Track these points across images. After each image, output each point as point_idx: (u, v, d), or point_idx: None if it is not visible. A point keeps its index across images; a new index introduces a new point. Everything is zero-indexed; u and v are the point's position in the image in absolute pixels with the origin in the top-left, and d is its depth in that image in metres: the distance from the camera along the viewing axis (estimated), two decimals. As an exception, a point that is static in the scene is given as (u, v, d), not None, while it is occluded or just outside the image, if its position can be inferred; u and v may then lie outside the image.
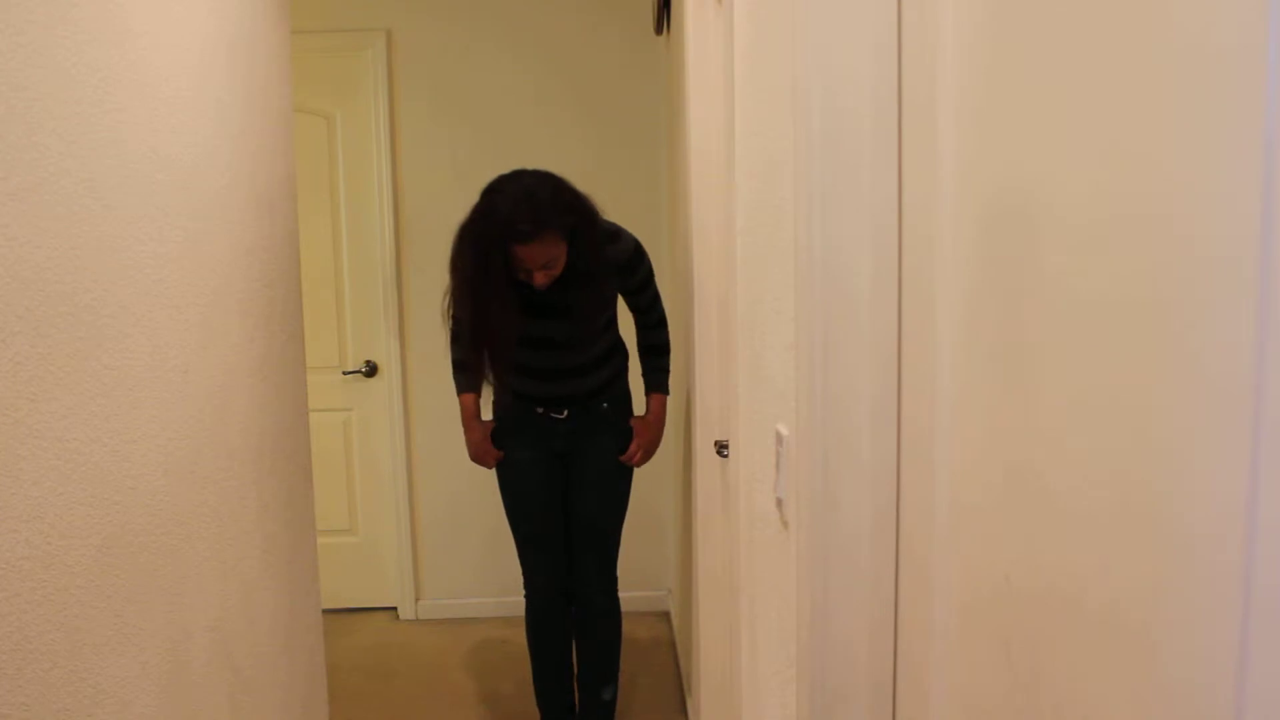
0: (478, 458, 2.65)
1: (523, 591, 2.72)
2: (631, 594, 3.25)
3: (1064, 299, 0.60)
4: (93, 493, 1.19)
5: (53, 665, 1.09)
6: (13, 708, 1.01)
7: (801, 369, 1.11)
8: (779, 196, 1.30)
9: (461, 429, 2.64)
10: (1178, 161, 0.47)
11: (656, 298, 2.64)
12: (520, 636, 2.81)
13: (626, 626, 2.84)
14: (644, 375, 2.67)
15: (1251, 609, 0.42)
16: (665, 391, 2.68)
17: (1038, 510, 0.65)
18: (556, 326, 2.45)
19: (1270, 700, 0.41)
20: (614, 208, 2.58)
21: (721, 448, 1.84)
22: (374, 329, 3.74)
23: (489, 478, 2.72)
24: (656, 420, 2.66)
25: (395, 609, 3.87)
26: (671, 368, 2.76)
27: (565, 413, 2.56)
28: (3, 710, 0.99)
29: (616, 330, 2.62)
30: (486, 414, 2.67)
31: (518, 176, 2.33)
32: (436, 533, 3.80)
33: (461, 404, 2.63)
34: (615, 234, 2.49)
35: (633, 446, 2.64)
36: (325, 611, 2.41)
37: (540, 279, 2.32)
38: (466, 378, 2.61)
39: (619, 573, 2.73)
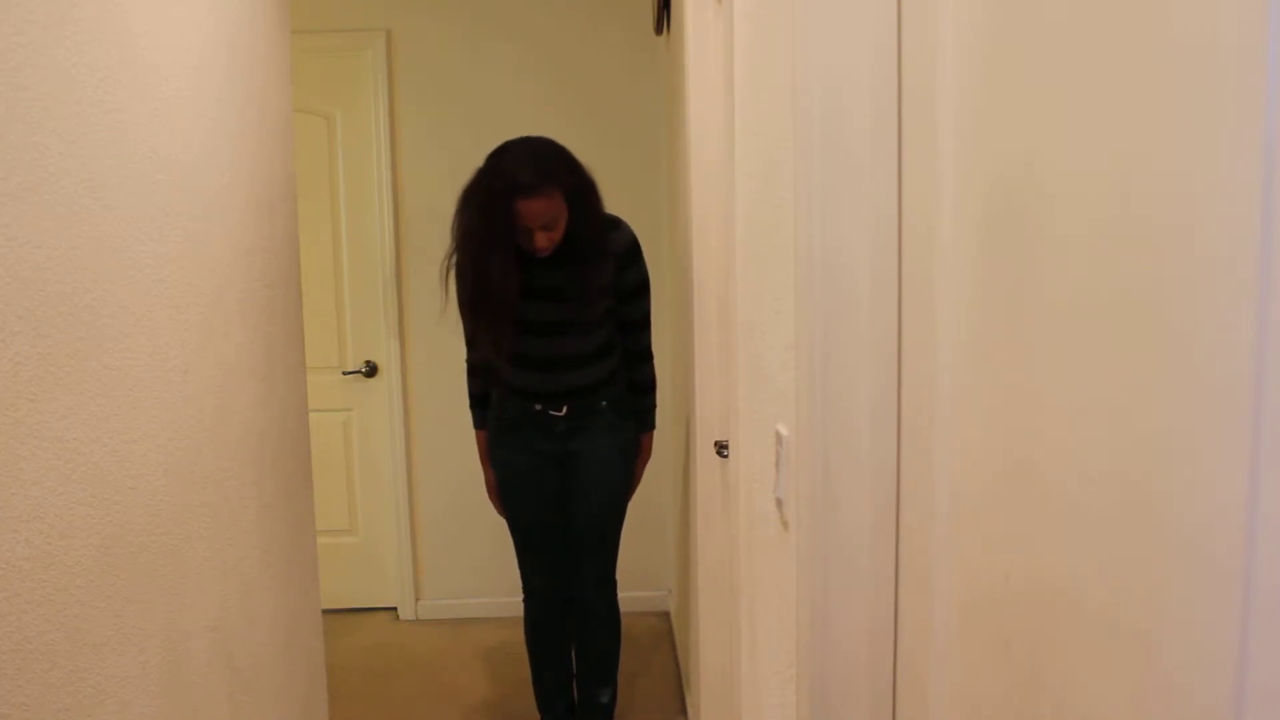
0: (493, 500, 2.71)
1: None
2: (631, 594, 3.25)
3: (1064, 299, 0.60)
4: (93, 493, 1.19)
5: (53, 665, 1.09)
6: (13, 708, 1.01)
7: (801, 369, 1.11)
8: (779, 196, 1.30)
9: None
10: (1178, 161, 0.47)
11: (647, 323, 2.64)
12: (520, 636, 2.81)
13: (626, 626, 2.83)
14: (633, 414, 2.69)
15: (1251, 609, 0.42)
16: (653, 428, 2.72)
17: (1038, 510, 0.65)
18: (556, 309, 2.45)
19: (1270, 700, 0.41)
20: (614, 207, 2.59)
21: (721, 448, 1.84)
22: (374, 329, 3.74)
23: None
24: (644, 460, 2.71)
25: (395, 609, 3.87)
26: (673, 368, 2.76)
27: (564, 409, 2.55)
28: (3, 710, 0.99)
29: (615, 329, 2.61)
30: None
31: (523, 139, 2.39)
32: (436, 533, 3.80)
33: (478, 441, 2.69)
34: (616, 223, 2.52)
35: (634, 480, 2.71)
36: (325, 611, 2.41)
37: (541, 241, 2.33)
38: (482, 414, 2.67)
39: (618, 574, 2.72)
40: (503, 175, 2.30)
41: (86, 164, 1.20)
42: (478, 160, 2.43)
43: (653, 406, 2.69)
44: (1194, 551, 0.46)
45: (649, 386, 2.68)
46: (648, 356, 2.66)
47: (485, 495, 2.73)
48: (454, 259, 2.43)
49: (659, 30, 3.37)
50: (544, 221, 2.31)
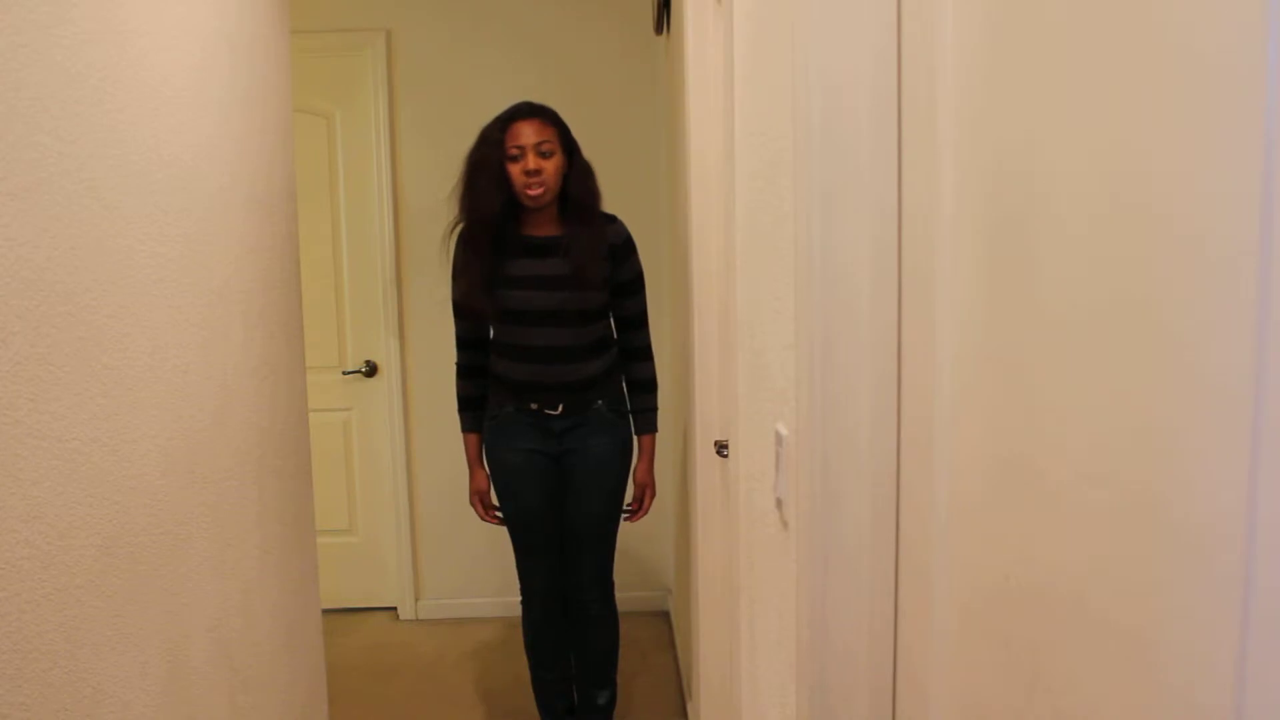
0: (474, 504, 2.68)
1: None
2: (631, 594, 3.25)
3: (1064, 299, 0.60)
4: (93, 493, 1.19)
5: (52, 665, 1.09)
6: (13, 708, 1.01)
7: (801, 369, 1.11)
8: (779, 196, 1.30)
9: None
10: (1178, 162, 0.47)
11: (645, 320, 2.65)
12: (519, 636, 2.81)
13: (625, 628, 2.83)
14: (633, 414, 2.67)
15: (1251, 609, 0.42)
16: (655, 430, 2.70)
17: (1038, 510, 0.65)
18: (554, 298, 2.47)
19: (1270, 700, 0.41)
20: (614, 207, 2.60)
21: (721, 448, 1.84)
22: (374, 329, 3.74)
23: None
24: (651, 462, 2.69)
25: (395, 609, 3.87)
26: (672, 367, 2.75)
27: (560, 408, 2.55)
28: (3, 710, 0.99)
29: (612, 327, 2.62)
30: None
31: None
32: (436, 533, 3.80)
33: (466, 444, 2.68)
34: (611, 218, 2.57)
35: (645, 502, 2.68)
36: (325, 611, 2.41)
37: (532, 161, 2.41)
38: (470, 416, 2.66)
39: (617, 575, 2.72)
40: (504, 111, 2.51)
41: (86, 164, 1.20)
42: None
43: (654, 408, 2.68)
44: (1194, 552, 0.46)
45: (650, 386, 2.67)
46: (648, 355, 2.66)
47: (485, 496, 2.72)
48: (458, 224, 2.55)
49: (659, 30, 3.37)
50: (536, 141, 2.42)
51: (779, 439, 1.31)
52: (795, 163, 1.10)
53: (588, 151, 2.55)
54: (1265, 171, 0.40)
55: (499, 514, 2.66)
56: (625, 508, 2.68)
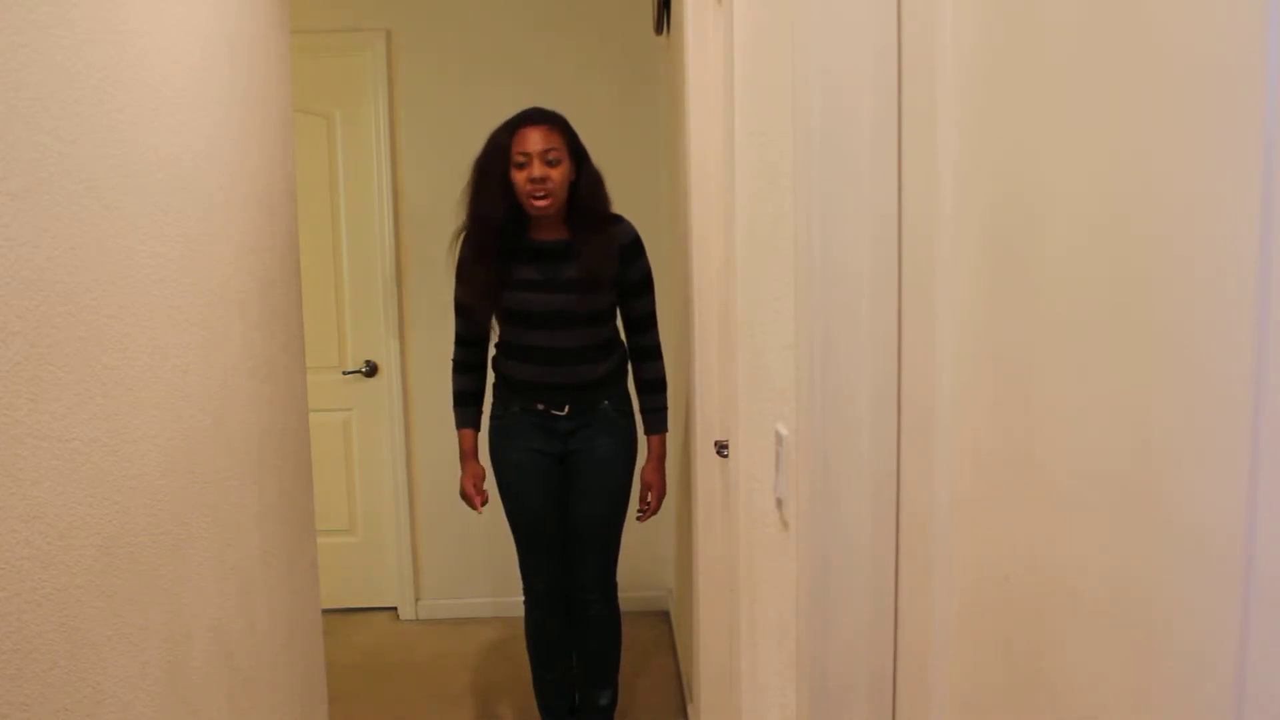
0: (466, 496, 2.66)
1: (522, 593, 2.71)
2: (631, 594, 3.25)
3: (1064, 298, 0.60)
4: (93, 493, 1.19)
5: (52, 665, 1.09)
6: (12, 708, 1.01)
7: (801, 369, 1.11)
8: (779, 196, 1.30)
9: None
10: (1178, 162, 0.47)
11: (654, 320, 2.65)
12: (520, 636, 2.80)
13: (626, 628, 2.83)
14: (643, 414, 2.66)
15: (1252, 603, 0.42)
16: (666, 430, 2.69)
17: (1037, 508, 0.65)
18: (562, 300, 2.47)
19: (1270, 695, 0.41)
20: (615, 207, 2.60)
21: (721, 448, 1.84)
22: (374, 329, 3.74)
23: (489, 478, 2.72)
24: (660, 462, 2.67)
25: (395, 609, 3.87)
26: (673, 367, 2.75)
27: (566, 409, 2.55)
28: (3, 710, 0.99)
29: (619, 328, 2.62)
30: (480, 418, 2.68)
31: None
32: (436, 533, 3.80)
33: (460, 438, 2.67)
34: (619, 218, 2.57)
35: (652, 501, 2.66)
36: (325, 611, 2.41)
37: (538, 169, 2.40)
38: (465, 412, 2.66)
39: (619, 575, 2.72)
40: (513, 116, 2.50)
41: (86, 164, 1.20)
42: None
43: (665, 407, 2.67)
44: (1194, 547, 0.46)
45: (660, 385, 2.66)
46: (657, 354, 2.66)
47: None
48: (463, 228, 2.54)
49: (659, 30, 3.37)
50: (542, 148, 2.41)
51: (779, 439, 1.31)
52: (795, 163, 1.11)
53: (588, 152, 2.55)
54: (1265, 171, 0.40)
55: (484, 497, 2.65)
56: (637, 512, 2.68)
